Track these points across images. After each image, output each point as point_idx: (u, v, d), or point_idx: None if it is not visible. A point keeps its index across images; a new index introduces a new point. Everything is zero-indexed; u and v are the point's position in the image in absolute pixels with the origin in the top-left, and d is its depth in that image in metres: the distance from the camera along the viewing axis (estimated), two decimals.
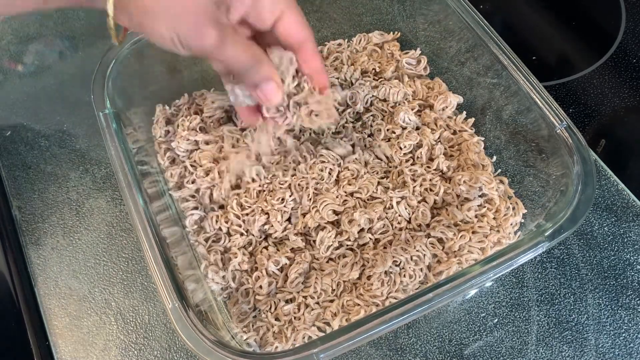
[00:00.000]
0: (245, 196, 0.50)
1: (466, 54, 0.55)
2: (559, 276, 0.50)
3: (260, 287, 0.47)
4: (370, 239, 0.49)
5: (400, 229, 0.49)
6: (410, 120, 0.55)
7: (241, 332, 0.45)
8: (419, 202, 0.50)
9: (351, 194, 0.51)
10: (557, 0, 0.72)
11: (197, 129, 0.54)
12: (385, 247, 0.48)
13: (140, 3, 0.35)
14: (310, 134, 0.55)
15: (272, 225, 0.49)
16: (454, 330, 0.47)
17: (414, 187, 0.51)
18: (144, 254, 0.40)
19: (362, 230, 0.49)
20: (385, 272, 0.47)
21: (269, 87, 0.42)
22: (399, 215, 0.50)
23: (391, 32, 0.62)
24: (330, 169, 0.51)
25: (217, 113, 0.55)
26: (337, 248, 0.49)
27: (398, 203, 0.50)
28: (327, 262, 0.48)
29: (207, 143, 0.54)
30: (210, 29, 0.37)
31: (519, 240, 0.42)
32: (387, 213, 0.50)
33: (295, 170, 0.51)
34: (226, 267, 0.49)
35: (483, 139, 0.54)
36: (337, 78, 0.58)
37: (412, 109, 0.56)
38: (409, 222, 0.50)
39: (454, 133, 0.55)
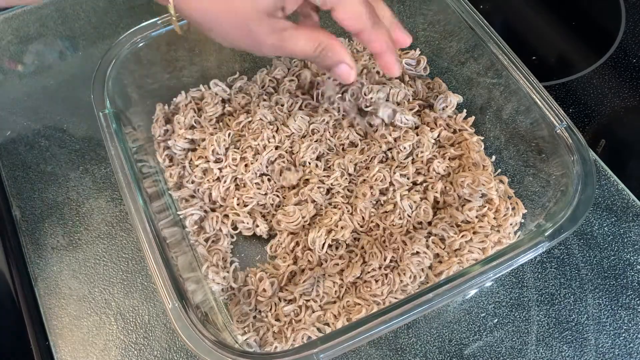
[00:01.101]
0: (245, 193, 0.51)
1: (466, 54, 0.55)
2: (559, 276, 0.50)
3: (264, 290, 0.47)
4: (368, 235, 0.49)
5: (401, 226, 0.49)
6: (407, 120, 0.55)
7: (241, 332, 0.45)
8: (421, 198, 0.50)
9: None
10: (557, 0, 0.72)
11: (193, 123, 0.55)
12: (384, 242, 0.49)
13: (195, 14, 0.37)
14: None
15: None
16: (454, 330, 0.47)
17: (415, 180, 0.52)
18: (144, 254, 0.40)
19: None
20: (384, 270, 0.47)
21: (340, 70, 0.42)
22: (403, 211, 0.50)
23: None
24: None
25: (219, 110, 0.56)
26: (337, 247, 0.49)
27: (401, 199, 0.50)
28: (326, 261, 0.48)
29: (203, 140, 0.54)
30: (265, 38, 0.38)
31: (519, 240, 0.42)
32: (387, 211, 0.50)
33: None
34: (227, 268, 0.49)
35: (483, 138, 0.54)
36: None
37: (412, 109, 0.56)
38: (409, 217, 0.50)
39: (454, 132, 0.56)
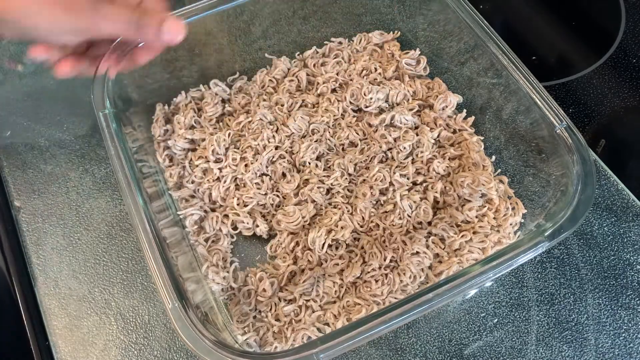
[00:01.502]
0: (245, 193, 0.51)
1: (466, 54, 0.55)
2: (558, 276, 0.50)
3: (264, 290, 0.47)
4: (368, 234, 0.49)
5: (401, 226, 0.49)
6: (407, 120, 0.55)
7: (241, 332, 0.45)
8: (420, 198, 0.50)
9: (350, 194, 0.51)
10: (557, 0, 0.72)
11: (193, 123, 0.55)
12: (384, 242, 0.49)
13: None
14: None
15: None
16: (454, 330, 0.47)
17: (415, 180, 0.52)
18: (144, 254, 0.40)
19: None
20: (384, 270, 0.47)
21: (168, 26, 0.39)
22: (403, 211, 0.50)
23: (391, 32, 0.62)
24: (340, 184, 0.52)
25: (219, 110, 0.56)
26: (337, 247, 0.49)
27: (401, 199, 0.50)
28: (326, 261, 0.48)
29: (203, 140, 0.54)
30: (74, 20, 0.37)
31: (519, 240, 0.42)
32: (387, 211, 0.50)
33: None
34: (227, 268, 0.49)
35: (483, 138, 0.54)
36: (337, 74, 0.58)
37: (412, 109, 0.56)
38: (409, 217, 0.50)
39: (454, 132, 0.56)
